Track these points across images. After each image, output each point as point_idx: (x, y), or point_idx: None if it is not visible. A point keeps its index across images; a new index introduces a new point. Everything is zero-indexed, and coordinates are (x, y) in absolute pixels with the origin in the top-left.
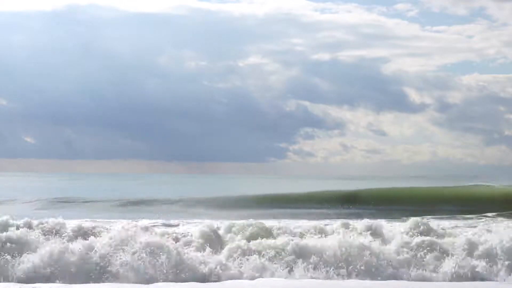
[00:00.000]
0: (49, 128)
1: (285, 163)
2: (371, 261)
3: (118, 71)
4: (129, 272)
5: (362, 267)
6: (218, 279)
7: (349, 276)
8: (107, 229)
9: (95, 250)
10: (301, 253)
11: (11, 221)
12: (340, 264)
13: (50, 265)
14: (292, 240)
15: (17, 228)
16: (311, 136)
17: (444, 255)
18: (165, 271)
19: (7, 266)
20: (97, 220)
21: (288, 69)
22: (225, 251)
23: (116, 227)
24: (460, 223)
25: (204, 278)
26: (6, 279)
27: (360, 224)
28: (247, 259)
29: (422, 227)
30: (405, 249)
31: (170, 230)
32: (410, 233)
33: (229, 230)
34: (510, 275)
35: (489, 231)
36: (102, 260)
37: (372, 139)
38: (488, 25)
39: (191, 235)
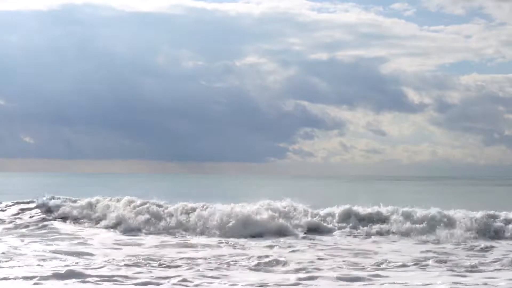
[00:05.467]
0: (48, 128)
1: (285, 163)
2: None
3: (115, 71)
4: None
5: None
6: None
7: None
8: None
9: None
10: None
11: None
12: None
13: None
14: None
15: None
16: (311, 136)
17: None
18: None
19: None
20: None
21: (285, 68)
22: None
23: None
24: None
25: None
26: None
27: None
28: None
29: None
30: None
31: None
32: None
33: None
34: None
35: None
36: None
37: (372, 139)
38: (486, 25)
39: None
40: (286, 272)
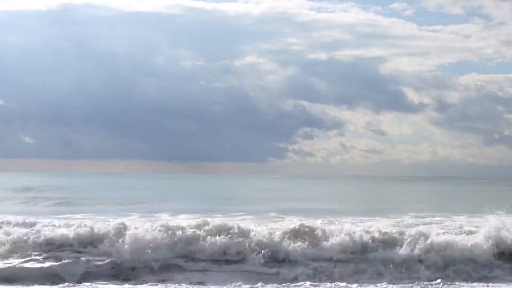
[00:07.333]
0: (48, 128)
1: (285, 163)
2: None
3: (114, 71)
4: None
5: None
6: None
7: None
8: None
9: None
10: None
11: None
12: None
13: None
14: None
15: None
16: (310, 136)
17: None
18: None
19: None
20: None
21: (285, 68)
22: None
23: None
24: None
25: None
26: None
27: None
28: None
29: None
30: None
31: None
32: None
33: None
34: None
35: None
36: None
37: (372, 139)
38: (485, 25)
39: None
40: None
